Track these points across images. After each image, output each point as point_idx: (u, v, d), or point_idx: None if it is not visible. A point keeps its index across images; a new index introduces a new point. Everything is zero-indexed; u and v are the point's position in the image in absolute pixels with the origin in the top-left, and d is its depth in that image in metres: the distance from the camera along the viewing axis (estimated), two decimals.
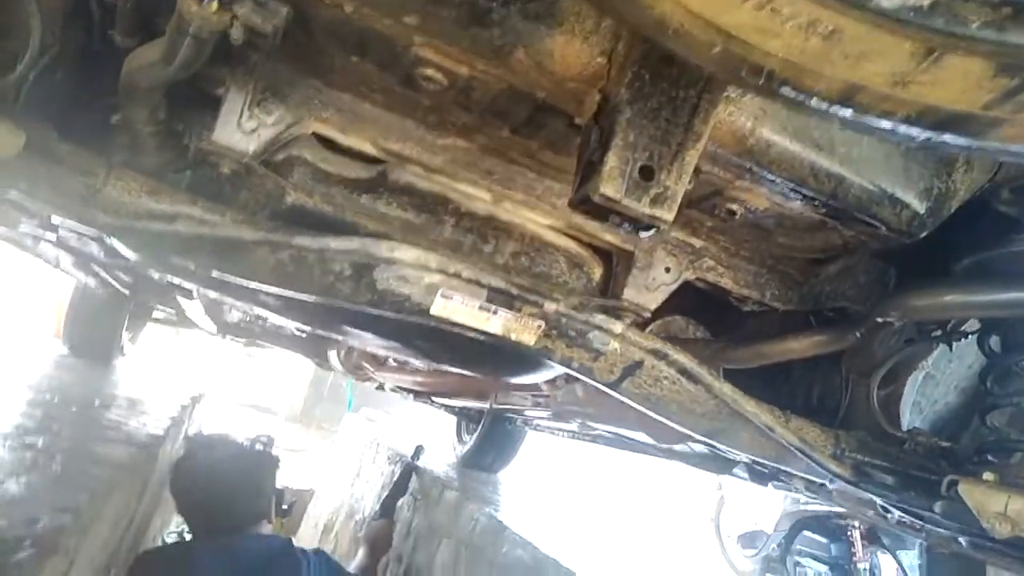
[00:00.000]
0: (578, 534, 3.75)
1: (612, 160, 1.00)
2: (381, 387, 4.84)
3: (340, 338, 2.24)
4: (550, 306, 1.31)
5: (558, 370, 1.89)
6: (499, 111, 1.27)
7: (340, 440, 7.72)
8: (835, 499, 1.89)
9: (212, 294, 2.09)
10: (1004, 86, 0.61)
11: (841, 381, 1.74)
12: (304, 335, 3.77)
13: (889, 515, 1.58)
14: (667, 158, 1.02)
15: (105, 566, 2.27)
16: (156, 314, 4.79)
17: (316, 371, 12.69)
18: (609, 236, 1.55)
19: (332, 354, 3.76)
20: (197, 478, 2.48)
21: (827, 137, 1.20)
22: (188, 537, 2.84)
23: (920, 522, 1.46)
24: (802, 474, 1.71)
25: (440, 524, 3.68)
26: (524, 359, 1.82)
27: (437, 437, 5.75)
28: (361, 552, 3.43)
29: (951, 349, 1.57)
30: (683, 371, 1.40)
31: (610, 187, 1.00)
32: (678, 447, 2.58)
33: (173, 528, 5.23)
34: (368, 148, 1.41)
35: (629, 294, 1.55)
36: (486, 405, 3.62)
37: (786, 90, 0.68)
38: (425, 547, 3.73)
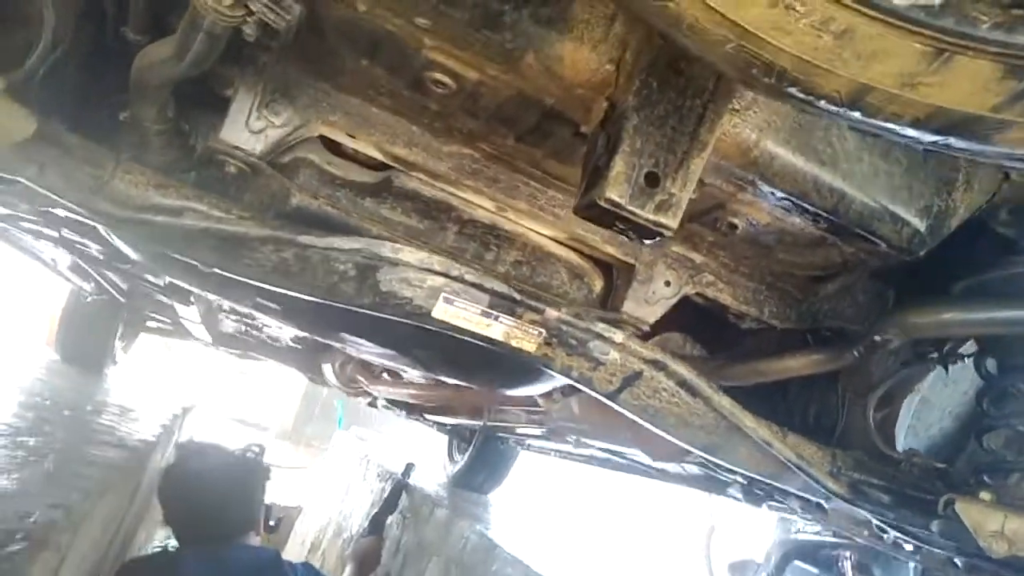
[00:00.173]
0: (569, 554, 3.71)
1: (618, 165, 1.01)
2: (373, 403, 4.82)
3: (338, 346, 2.23)
4: (551, 313, 1.32)
5: (555, 382, 1.89)
6: (505, 118, 1.28)
7: (330, 457, 7.66)
8: (830, 520, 1.88)
9: (211, 297, 2.08)
10: (1012, 88, 0.62)
11: (837, 401, 1.74)
12: (299, 347, 3.76)
13: (885, 535, 1.57)
14: (672, 166, 1.03)
15: (93, 572, 2.24)
16: (150, 324, 4.78)
17: (307, 388, 12.64)
18: (610, 248, 1.56)
19: (327, 367, 3.75)
20: (187, 484, 2.44)
21: (830, 152, 1.21)
22: (174, 547, 2.80)
23: (916, 542, 1.46)
24: (798, 492, 1.70)
25: (430, 542, 3.65)
26: (521, 370, 1.81)
27: (428, 456, 5.72)
28: (349, 568, 3.39)
29: (947, 372, 1.57)
30: (682, 383, 1.40)
31: (616, 192, 1.01)
32: (672, 468, 2.57)
33: (157, 543, 5.17)
34: (374, 152, 1.42)
35: (629, 307, 1.55)
36: (479, 423, 3.60)
37: (795, 91, 0.69)
38: (414, 565, 3.70)
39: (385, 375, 3.50)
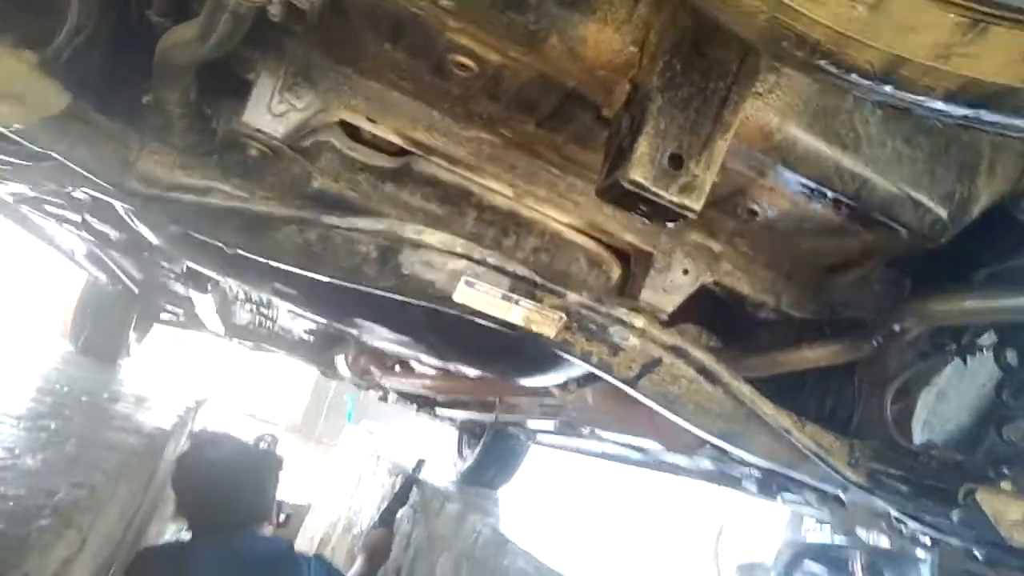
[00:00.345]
0: (579, 549, 3.71)
1: (642, 146, 1.01)
2: (384, 397, 4.84)
3: (353, 332, 2.24)
4: (572, 297, 1.32)
5: (570, 371, 1.89)
6: (526, 102, 1.29)
7: (340, 453, 7.68)
8: (847, 512, 1.87)
9: (229, 283, 2.10)
10: None
11: (854, 393, 1.73)
12: (312, 339, 3.78)
13: (904, 527, 1.57)
14: (696, 147, 1.03)
15: (108, 561, 2.25)
16: (163, 315, 4.81)
17: (316, 384, 12.70)
18: (629, 236, 1.56)
19: (339, 359, 3.76)
20: (201, 472, 2.46)
21: (853, 137, 1.20)
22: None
23: (935, 533, 1.45)
24: (815, 483, 1.69)
25: (441, 536, 3.65)
26: (537, 358, 1.82)
27: (437, 452, 5.73)
28: (359, 560, 3.40)
29: (966, 363, 1.56)
30: (702, 370, 1.40)
31: (639, 173, 1.01)
32: (685, 461, 2.57)
33: (168, 537, 5.19)
34: (394, 137, 1.42)
35: (646, 295, 1.55)
36: (490, 417, 3.61)
37: (827, 63, 0.69)
38: (425, 559, 3.70)
39: (397, 367, 3.51)
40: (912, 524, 1.52)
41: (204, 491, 2.48)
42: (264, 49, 1.30)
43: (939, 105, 0.69)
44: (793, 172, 1.23)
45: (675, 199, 1.03)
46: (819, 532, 5.43)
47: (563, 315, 1.32)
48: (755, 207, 1.39)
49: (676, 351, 1.38)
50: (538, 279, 1.30)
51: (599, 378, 1.92)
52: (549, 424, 3.09)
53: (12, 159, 1.25)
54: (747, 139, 1.18)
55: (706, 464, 2.36)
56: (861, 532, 4.69)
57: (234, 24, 1.08)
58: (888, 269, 1.53)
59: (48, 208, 1.74)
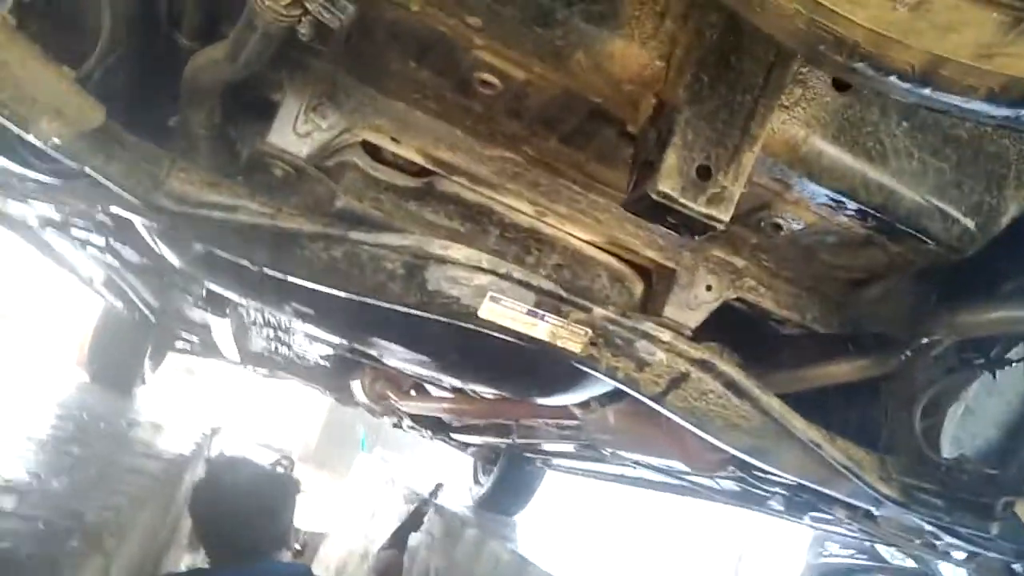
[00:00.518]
0: (600, 573, 3.66)
1: (671, 158, 1.01)
2: (399, 424, 4.81)
3: (372, 352, 2.23)
4: (599, 311, 1.31)
5: (593, 389, 1.88)
6: (550, 118, 1.29)
7: (354, 480, 7.64)
8: (878, 528, 1.84)
9: (249, 305, 2.10)
10: None
11: (880, 411, 1.71)
12: (327, 364, 3.77)
13: (938, 541, 1.54)
14: (724, 159, 1.04)
15: None
16: (178, 344, 4.83)
17: (329, 414, 12.66)
18: (651, 253, 1.55)
19: (356, 385, 3.75)
20: (219, 498, 2.44)
21: (879, 149, 1.20)
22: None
23: (971, 547, 1.42)
24: (845, 499, 1.67)
25: (459, 563, 3.61)
26: (559, 376, 1.80)
27: (453, 479, 5.68)
28: None
29: (995, 376, 1.55)
30: (730, 384, 1.39)
31: (668, 185, 1.01)
32: (708, 483, 2.54)
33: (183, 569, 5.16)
34: (416, 157, 1.43)
35: (670, 312, 1.54)
36: (506, 441, 3.58)
37: (864, 66, 0.68)
38: None
39: (414, 391, 3.50)
40: (947, 538, 1.49)
41: (222, 516, 2.44)
42: (291, 70, 1.32)
43: (979, 106, 0.68)
44: (818, 185, 1.23)
45: (703, 210, 1.03)
46: (842, 554, 5.34)
47: (589, 330, 1.32)
48: (779, 221, 1.39)
49: (703, 365, 1.37)
50: (564, 293, 1.30)
51: (622, 396, 1.91)
52: (568, 447, 3.06)
53: (43, 177, 1.26)
54: (773, 151, 1.18)
55: (731, 485, 2.32)
56: (886, 552, 4.61)
57: (263, 44, 1.10)
58: (914, 282, 1.51)
59: (74, 231, 1.76)
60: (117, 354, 4.50)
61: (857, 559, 5.16)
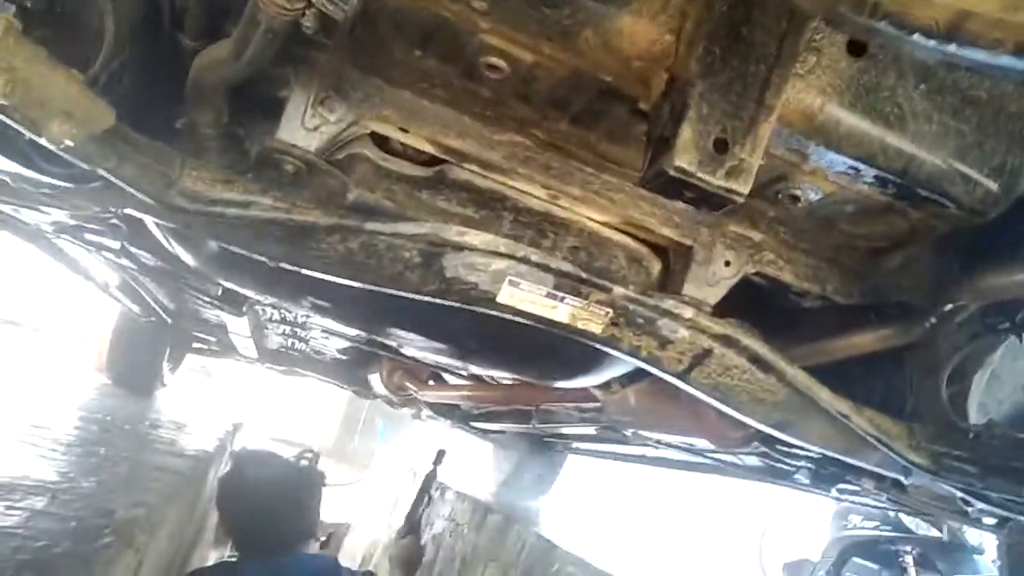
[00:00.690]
0: (625, 554, 3.67)
1: (686, 132, 1.00)
2: (418, 414, 4.83)
3: (390, 343, 2.24)
4: (619, 291, 1.30)
5: (613, 371, 1.87)
6: (559, 100, 1.28)
7: (376, 472, 7.69)
8: (908, 498, 1.83)
9: (265, 302, 2.10)
10: None
11: (904, 380, 1.70)
12: (345, 358, 3.78)
13: (970, 508, 1.53)
14: (741, 131, 1.02)
15: None
16: (196, 344, 4.86)
17: (348, 408, 12.75)
18: (667, 231, 1.54)
19: (374, 377, 3.76)
20: (245, 492, 2.46)
21: (898, 113, 1.18)
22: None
23: (1006, 511, 1.41)
24: (874, 468, 1.65)
25: (484, 548, 3.63)
26: (579, 359, 1.80)
27: (474, 465, 5.70)
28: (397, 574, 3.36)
29: (1021, 340, 1.53)
30: (754, 359, 1.37)
31: (685, 159, 1.00)
32: (732, 459, 2.53)
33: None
34: (425, 146, 1.42)
35: (689, 289, 1.53)
36: (527, 426, 3.58)
37: (886, 24, 0.67)
38: (470, 572, 3.67)
39: (432, 380, 3.50)
40: (979, 504, 1.47)
41: (249, 509, 2.47)
42: (296, 65, 1.31)
43: (1008, 61, 0.66)
44: (836, 153, 1.21)
45: (722, 184, 1.01)
46: (867, 526, 5.33)
47: (609, 310, 1.31)
48: (797, 192, 1.37)
49: (726, 340, 1.36)
50: (583, 274, 1.29)
51: (643, 376, 1.91)
52: (589, 430, 3.06)
53: (56, 181, 1.26)
54: (789, 122, 1.16)
55: (754, 461, 2.32)
56: (911, 523, 4.59)
57: (268, 40, 1.09)
58: (936, 248, 1.49)
59: (88, 236, 1.77)
60: (136, 358, 4.53)
61: (882, 530, 5.15)
